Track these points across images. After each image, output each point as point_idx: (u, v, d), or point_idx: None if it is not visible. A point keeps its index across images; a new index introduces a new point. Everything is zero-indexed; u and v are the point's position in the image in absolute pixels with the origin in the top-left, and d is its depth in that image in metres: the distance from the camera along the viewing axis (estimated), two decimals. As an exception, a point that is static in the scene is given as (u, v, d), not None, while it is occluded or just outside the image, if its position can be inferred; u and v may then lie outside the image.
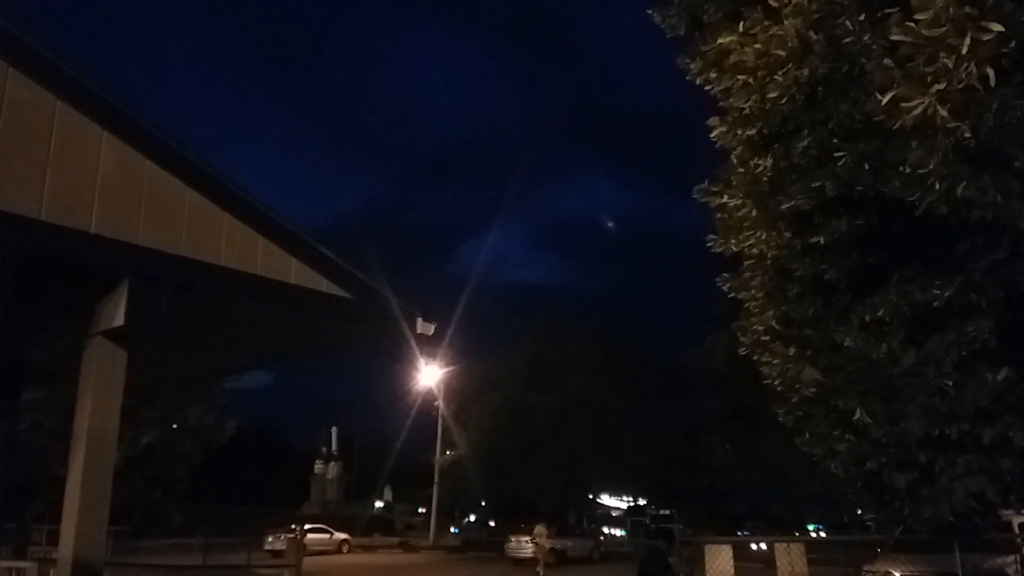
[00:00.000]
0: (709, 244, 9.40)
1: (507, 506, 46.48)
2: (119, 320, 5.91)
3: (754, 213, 8.08)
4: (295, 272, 7.02)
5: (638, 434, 43.81)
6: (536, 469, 42.71)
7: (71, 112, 5.95)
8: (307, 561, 22.10)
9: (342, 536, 37.42)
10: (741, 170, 8.68)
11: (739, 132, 7.94)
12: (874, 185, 7.00)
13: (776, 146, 7.73)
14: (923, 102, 5.50)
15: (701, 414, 44.14)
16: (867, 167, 6.91)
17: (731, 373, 40.23)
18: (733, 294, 9.50)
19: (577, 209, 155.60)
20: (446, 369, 44.35)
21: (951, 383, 7.46)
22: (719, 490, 42.97)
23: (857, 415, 7.60)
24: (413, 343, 8.21)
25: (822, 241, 7.65)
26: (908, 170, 6.01)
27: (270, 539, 31.71)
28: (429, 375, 44.26)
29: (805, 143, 7.32)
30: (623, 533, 51.74)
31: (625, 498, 59.56)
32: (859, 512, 44.67)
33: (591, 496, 53.74)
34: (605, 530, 52.01)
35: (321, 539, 35.26)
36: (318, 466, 54.46)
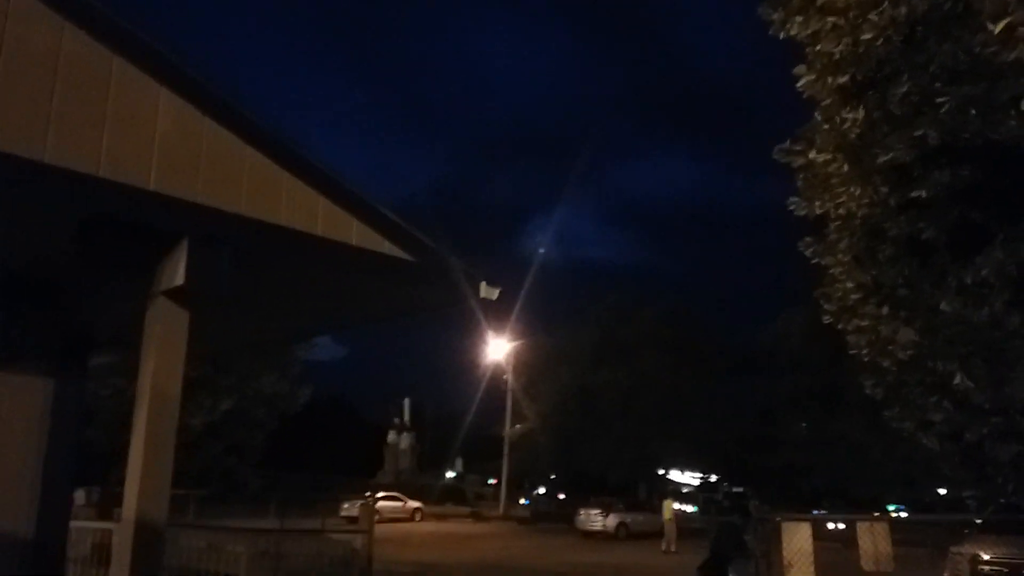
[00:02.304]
0: (791, 207, 8.85)
1: (576, 479, 46.55)
2: (179, 279, 5.82)
3: (846, 168, 7.46)
4: (356, 233, 6.83)
5: (709, 412, 43.18)
6: (605, 444, 42.59)
7: (127, 68, 5.85)
8: (381, 528, 22.41)
9: (415, 505, 38.01)
10: (827, 127, 8.10)
11: (829, 80, 7.33)
12: (981, 132, 6.34)
13: (871, 93, 7.10)
14: (1042, 28, 4.91)
15: (776, 392, 43.21)
16: (973, 112, 6.27)
17: (808, 350, 39.23)
18: (816, 259, 8.94)
19: (648, 185, 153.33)
20: (515, 343, 44.41)
21: None
22: (795, 468, 42.09)
23: (957, 380, 7.01)
24: (477, 309, 7.96)
25: (923, 196, 7.01)
26: None
27: (346, 506, 32.41)
28: (498, 348, 44.39)
29: (904, 89, 6.67)
30: (694, 509, 51.03)
31: (696, 474, 58.83)
32: (942, 492, 43.26)
33: (661, 472, 53.27)
34: (676, 506, 51.41)
35: (394, 507, 35.91)
36: (391, 436, 55.41)
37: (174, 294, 5.93)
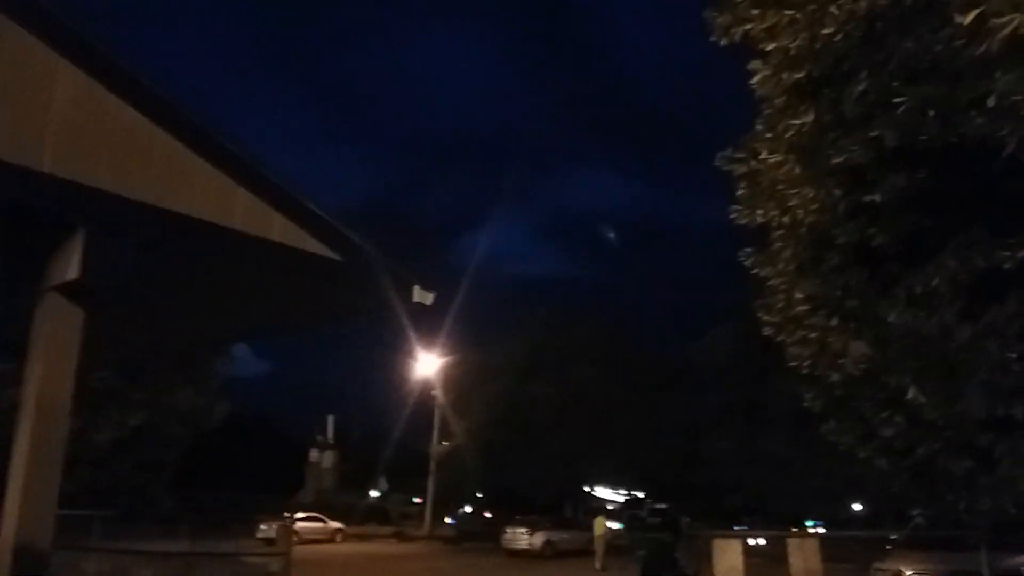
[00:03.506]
0: (732, 216, 8.65)
1: (504, 497, 45.96)
2: (73, 273, 5.19)
3: (797, 171, 7.26)
4: (278, 228, 6.28)
5: (639, 428, 43.27)
6: (534, 461, 42.19)
7: (21, 34, 5.22)
8: (300, 550, 21.46)
9: (336, 525, 36.86)
10: (769, 135, 7.93)
11: (784, 76, 7.13)
12: (941, 134, 6.23)
13: (826, 91, 6.93)
14: (1014, 19, 4.72)
15: (702, 408, 43.60)
16: (932, 113, 6.14)
17: (734, 366, 39.73)
18: (756, 270, 8.75)
19: (580, 202, 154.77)
20: (445, 358, 43.78)
21: (1016, 356, 6.68)
22: (719, 485, 42.45)
23: (910, 394, 6.83)
24: (404, 316, 7.47)
25: (878, 199, 6.84)
26: (994, 103, 5.24)
27: (263, 527, 31.16)
28: (427, 364, 43.66)
29: (862, 87, 6.50)
30: (620, 526, 51.14)
31: (622, 491, 59.01)
32: (858, 508, 44.33)
33: (587, 489, 53.20)
34: (607, 523, 51.26)
35: (315, 528, 34.73)
36: (313, 454, 53.95)
37: (67, 289, 5.29)
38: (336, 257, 6.54)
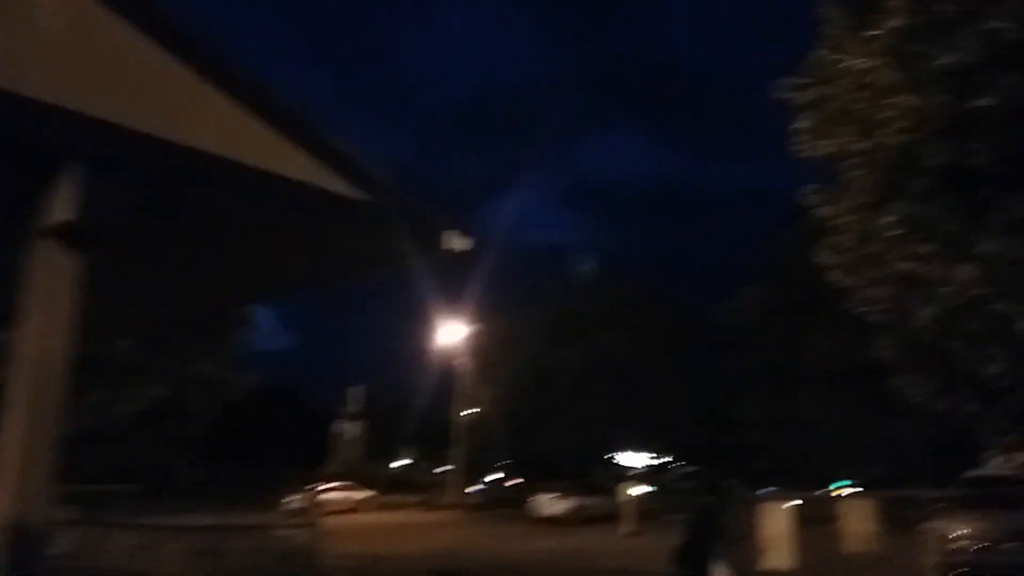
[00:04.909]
0: (798, 148, 7.90)
1: (530, 464, 45.82)
2: (67, 213, 4.55)
3: (894, 75, 6.44)
4: (296, 165, 5.61)
5: (665, 391, 42.82)
6: (560, 427, 41.93)
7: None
8: (326, 520, 21.15)
9: (362, 495, 36.82)
10: (833, 55, 7.13)
11: None
12: None
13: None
14: None
15: (731, 371, 42.97)
16: None
17: (763, 329, 38.97)
18: (820, 208, 7.99)
19: (608, 167, 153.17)
20: (471, 326, 43.34)
21: None
22: (747, 447, 41.93)
23: (1021, 324, 6.07)
24: (434, 266, 6.81)
25: (992, 101, 6.03)
26: None
27: (290, 498, 31.11)
28: (453, 332, 43.22)
29: None
30: (652, 489, 50.89)
31: (649, 455, 58.69)
32: (890, 469, 43.56)
33: (613, 454, 52.91)
34: (636, 489, 50.87)
35: (341, 498, 34.70)
36: (339, 426, 53.99)
37: (62, 232, 4.65)
38: (360, 197, 5.87)
